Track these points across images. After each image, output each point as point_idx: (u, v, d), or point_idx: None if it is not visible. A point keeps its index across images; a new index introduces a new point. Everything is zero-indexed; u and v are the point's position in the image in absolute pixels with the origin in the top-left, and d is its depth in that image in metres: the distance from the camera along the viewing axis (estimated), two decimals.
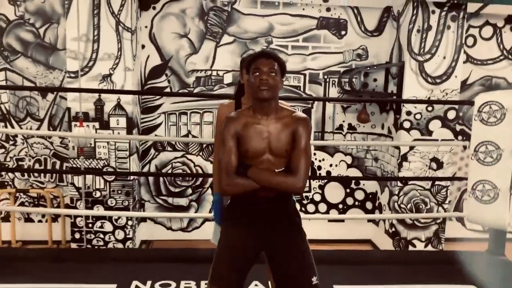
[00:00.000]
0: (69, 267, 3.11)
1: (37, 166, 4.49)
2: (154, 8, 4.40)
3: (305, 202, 4.80)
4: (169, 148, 4.62)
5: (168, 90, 4.52)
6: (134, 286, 2.76)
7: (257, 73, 1.85)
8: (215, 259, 1.92)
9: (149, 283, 2.79)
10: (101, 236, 4.15)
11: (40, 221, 4.54)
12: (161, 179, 4.64)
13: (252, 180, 1.83)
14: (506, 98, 2.96)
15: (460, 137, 4.68)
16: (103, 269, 3.01)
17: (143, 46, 4.43)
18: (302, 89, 4.66)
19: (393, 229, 4.42)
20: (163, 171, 4.61)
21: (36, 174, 4.48)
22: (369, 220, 4.90)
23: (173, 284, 2.79)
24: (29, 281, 2.81)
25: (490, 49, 4.74)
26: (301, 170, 1.85)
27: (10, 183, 4.47)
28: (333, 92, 4.70)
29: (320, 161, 4.78)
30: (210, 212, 2.15)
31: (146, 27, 4.42)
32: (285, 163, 1.90)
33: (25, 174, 4.46)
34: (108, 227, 4.14)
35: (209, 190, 4.66)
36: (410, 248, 4.41)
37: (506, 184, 2.94)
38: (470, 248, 3.79)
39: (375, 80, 4.69)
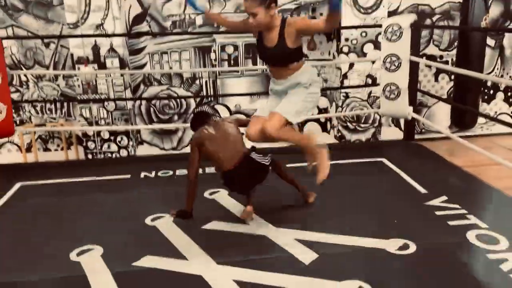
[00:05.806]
0: (88, 170, 4.16)
1: (48, 105, 5.47)
2: None
3: None
4: (155, 83, 5.61)
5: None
6: (143, 175, 3.89)
7: None
8: None
9: (153, 172, 3.92)
10: (109, 155, 5.24)
11: (56, 149, 5.59)
12: (151, 109, 5.67)
13: None
14: (403, 21, 4.01)
15: None
16: (117, 168, 4.10)
17: None
18: None
19: (340, 134, 5.59)
20: (152, 102, 5.63)
21: (49, 112, 5.47)
22: (323, 131, 6.07)
23: (171, 172, 3.92)
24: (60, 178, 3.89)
25: None
26: None
27: (28, 120, 5.47)
28: None
29: None
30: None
31: None
32: None
33: (40, 112, 5.44)
34: (113, 147, 5.23)
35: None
36: None
37: (405, 85, 4.06)
38: None
39: (321, 14, 5.65)
